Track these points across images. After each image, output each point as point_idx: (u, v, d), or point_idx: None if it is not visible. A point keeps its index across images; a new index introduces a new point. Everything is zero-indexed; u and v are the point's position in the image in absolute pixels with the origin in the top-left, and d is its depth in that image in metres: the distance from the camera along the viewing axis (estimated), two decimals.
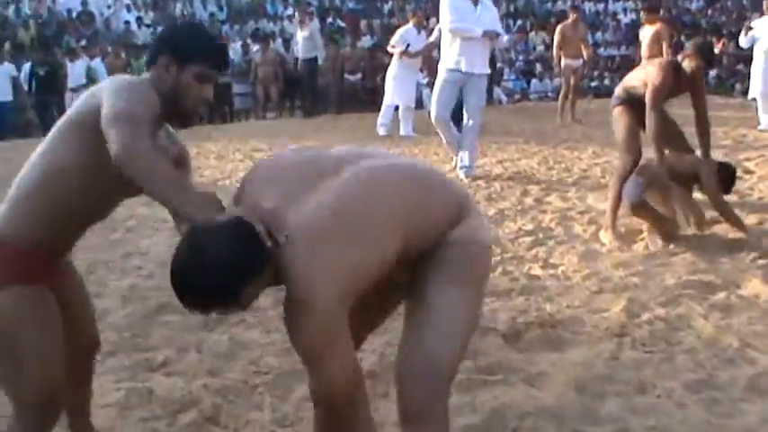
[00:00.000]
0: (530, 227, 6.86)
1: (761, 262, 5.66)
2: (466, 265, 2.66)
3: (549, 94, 20.48)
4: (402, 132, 12.56)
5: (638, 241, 6.24)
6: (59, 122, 2.76)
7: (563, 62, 13.76)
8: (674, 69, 6.15)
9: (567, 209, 7.38)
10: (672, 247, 6.05)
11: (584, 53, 13.87)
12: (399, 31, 13.06)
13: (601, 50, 24.91)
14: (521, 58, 24.58)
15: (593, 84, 21.90)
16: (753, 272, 5.48)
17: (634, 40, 24.87)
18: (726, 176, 6.36)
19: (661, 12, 15.36)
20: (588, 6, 29.58)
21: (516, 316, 4.82)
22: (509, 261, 5.94)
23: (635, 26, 26.63)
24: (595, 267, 5.69)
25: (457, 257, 2.63)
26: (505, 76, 21.40)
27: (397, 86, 12.69)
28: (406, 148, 11.16)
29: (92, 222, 2.91)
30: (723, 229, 6.38)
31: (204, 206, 2.38)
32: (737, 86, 21.04)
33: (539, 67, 23.03)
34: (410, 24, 12.90)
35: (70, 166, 2.66)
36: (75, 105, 2.73)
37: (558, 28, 14.13)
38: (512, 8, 27.83)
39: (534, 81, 22.50)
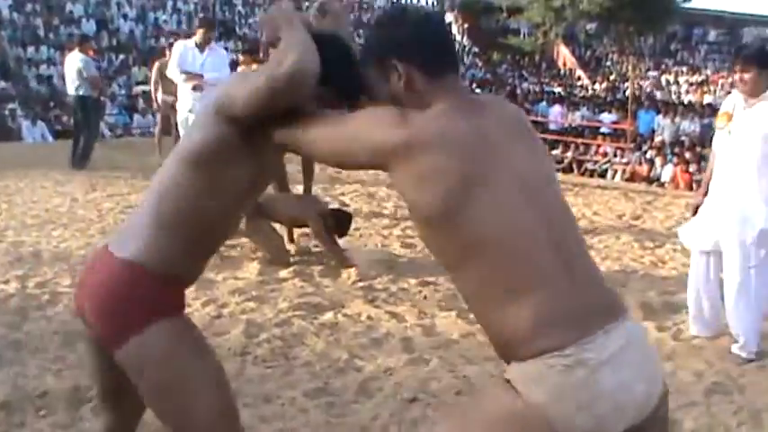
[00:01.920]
0: None
1: (360, 284, 6.35)
2: None
3: (152, 129, 20.57)
4: None
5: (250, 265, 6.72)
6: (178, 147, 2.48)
7: (160, 98, 13.81)
8: None
9: None
10: (281, 274, 6.56)
11: None
12: None
13: None
14: (123, 92, 24.49)
15: None
16: (354, 293, 6.14)
17: None
18: (341, 221, 7.09)
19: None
20: None
21: None
22: None
23: (235, 64, 27.59)
24: (213, 295, 6.01)
25: None
26: (108, 110, 21.16)
27: None
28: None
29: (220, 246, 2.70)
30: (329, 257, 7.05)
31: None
32: None
33: (141, 102, 23.06)
34: None
35: (198, 204, 2.39)
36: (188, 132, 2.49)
37: (156, 64, 14.10)
38: (114, 42, 27.56)
39: (137, 116, 22.53)
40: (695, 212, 5.62)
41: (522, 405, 2.00)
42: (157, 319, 2.35)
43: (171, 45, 15.12)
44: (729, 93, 5.49)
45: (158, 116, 14.24)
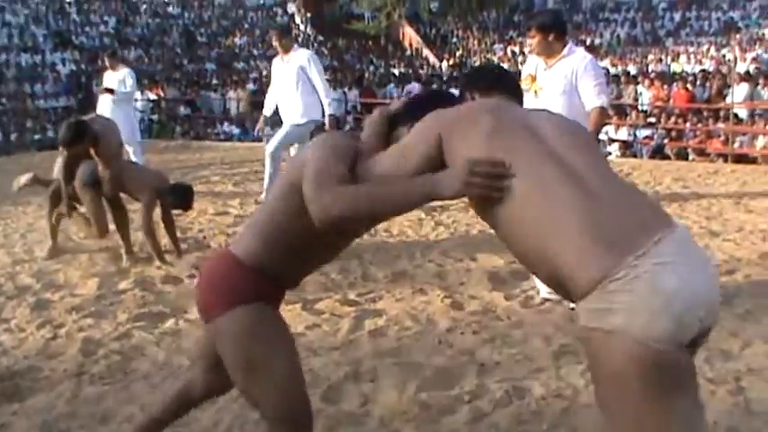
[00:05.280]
0: None
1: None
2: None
3: None
4: None
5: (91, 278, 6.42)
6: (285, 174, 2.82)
7: None
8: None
9: (14, 262, 7.25)
10: (120, 286, 6.32)
11: None
12: None
13: (41, 102, 24.58)
14: None
15: (37, 137, 21.49)
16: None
17: (75, 91, 24.74)
18: (182, 195, 6.91)
19: None
20: (25, 58, 29.02)
21: None
22: None
23: (75, 76, 26.73)
24: (49, 316, 5.70)
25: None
26: None
27: None
28: None
29: (322, 263, 3.04)
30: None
31: (430, 181, 2.42)
32: (178, 129, 22.19)
33: None
34: None
35: (293, 223, 2.67)
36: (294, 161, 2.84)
37: None
38: None
39: None
40: None
41: (609, 338, 2.08)
42: (241, 304, 2.71)
43: None
44: None
45: None
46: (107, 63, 11.70)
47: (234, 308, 2.70)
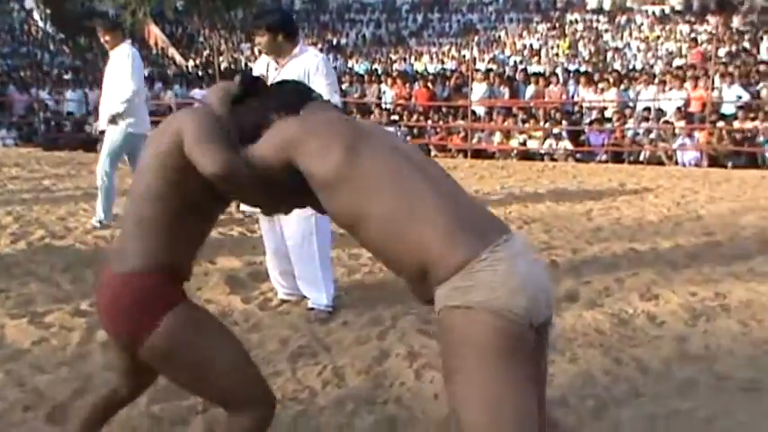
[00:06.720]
0: None
1: None
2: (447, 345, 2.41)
3: None
4: None
5: None
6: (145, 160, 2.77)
7: None
8: None
9: None
10: None
11: None
12: None
13: None
14: None
15: None
16: None
17: None
18: None
19: None
20: None
21: None
22: None
23: None
24: None
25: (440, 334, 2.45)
26: None
27: None
28: None
29: (203, 237, 2.94)
30: None
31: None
32: None
33: None
34: None
35: (173, 198, 2.70)
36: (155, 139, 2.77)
37: None
38: None
39: None
40: None
41: (469, 312, 2.30)
42: (162, 316, 2.64)
43: None
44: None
45: None
46: None
47: (158, 322, 2.64)
